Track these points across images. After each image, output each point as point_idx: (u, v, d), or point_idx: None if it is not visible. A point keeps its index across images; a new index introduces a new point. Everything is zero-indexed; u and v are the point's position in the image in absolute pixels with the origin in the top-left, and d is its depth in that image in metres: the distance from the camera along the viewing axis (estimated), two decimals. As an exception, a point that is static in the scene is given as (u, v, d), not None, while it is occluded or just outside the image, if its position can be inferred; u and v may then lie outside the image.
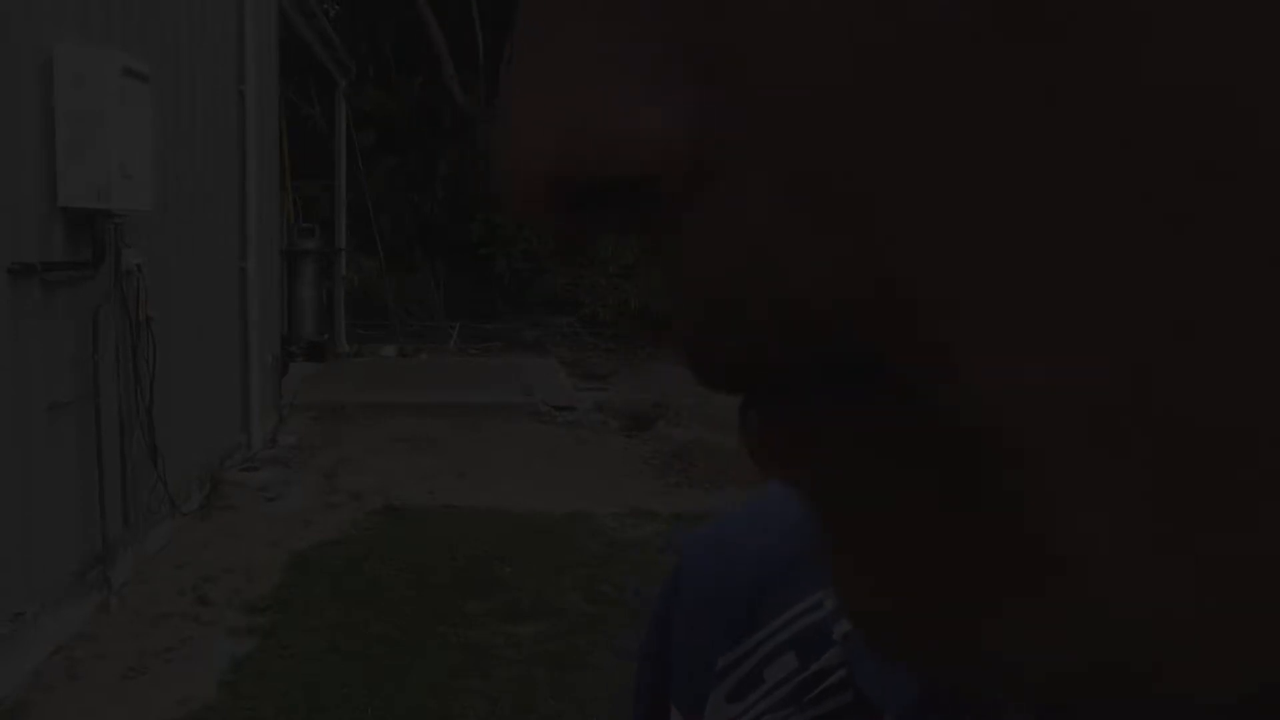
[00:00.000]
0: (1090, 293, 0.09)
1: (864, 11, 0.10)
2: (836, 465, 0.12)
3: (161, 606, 3.80)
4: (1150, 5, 0.09)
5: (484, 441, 6.98)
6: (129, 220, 3.36)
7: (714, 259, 0.11)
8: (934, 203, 0.10)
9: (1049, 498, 0.10)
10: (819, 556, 0.13)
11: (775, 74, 0.10)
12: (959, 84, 0.09)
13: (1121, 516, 0.10)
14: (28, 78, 2.83)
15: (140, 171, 3.24)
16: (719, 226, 0.11)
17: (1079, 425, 0.10)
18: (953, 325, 0.10)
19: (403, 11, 10.97)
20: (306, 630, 3.66)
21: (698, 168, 0.11)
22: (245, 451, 5.52)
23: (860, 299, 0.10)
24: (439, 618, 3.77)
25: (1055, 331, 0.09)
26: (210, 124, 4.65)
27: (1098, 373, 0.09)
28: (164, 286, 3.82)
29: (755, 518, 0.30)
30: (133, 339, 3.58)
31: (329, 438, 6.89)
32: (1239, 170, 0.09)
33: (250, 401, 5.64)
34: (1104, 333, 0.09)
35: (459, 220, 11.13)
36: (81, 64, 2.93)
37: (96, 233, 3.16)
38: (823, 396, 0.11)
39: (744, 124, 0.11)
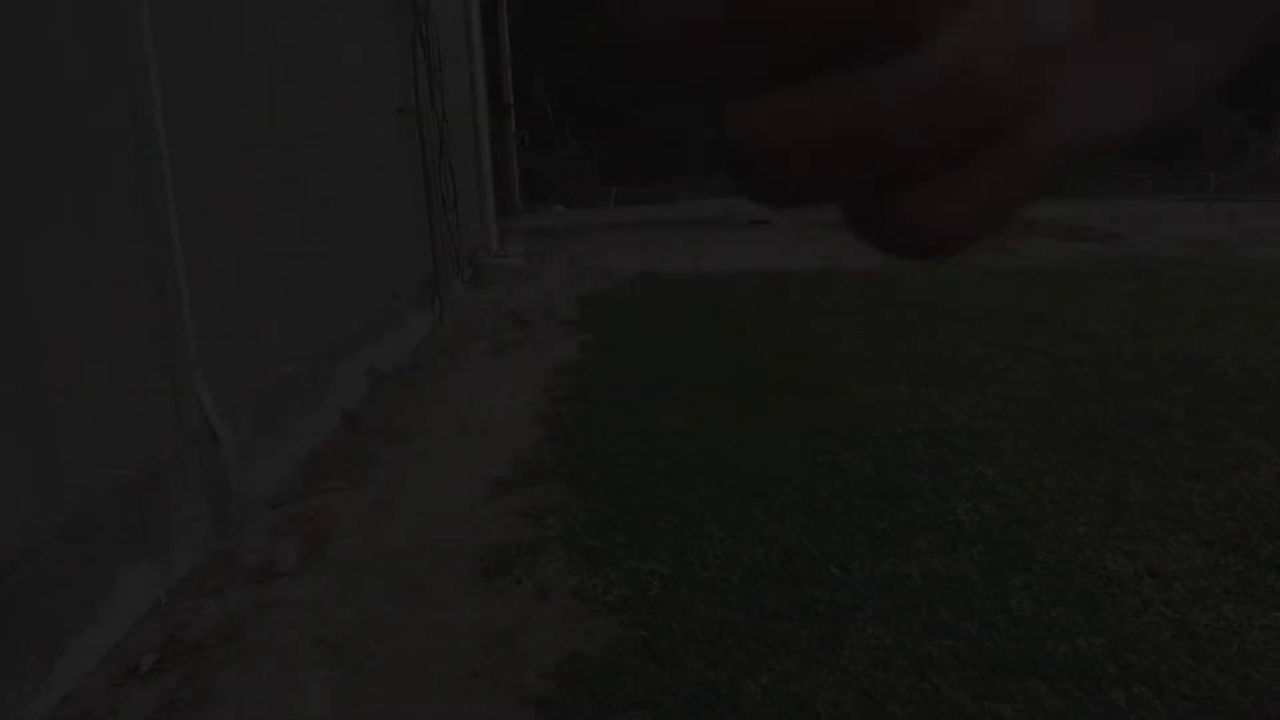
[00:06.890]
0: None
1: None
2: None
3: (485, 327, 5.05)
4: None
5: (698, 243, 8.01)
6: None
7: None
8: None
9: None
10: None
11: None
12: None
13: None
14: None
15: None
16: None
17: None
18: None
19: None
20: (620, 328, 4.86)
21: None
22: (487, 253, 6.91)
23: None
24: (735, 318, 4.95)
25: None
26: None
27: None
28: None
29: None
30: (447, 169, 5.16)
31: (551, 248, 7.95)
32: None
33: (487, 216, 7.01)
34: None
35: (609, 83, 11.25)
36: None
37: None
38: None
39: None
